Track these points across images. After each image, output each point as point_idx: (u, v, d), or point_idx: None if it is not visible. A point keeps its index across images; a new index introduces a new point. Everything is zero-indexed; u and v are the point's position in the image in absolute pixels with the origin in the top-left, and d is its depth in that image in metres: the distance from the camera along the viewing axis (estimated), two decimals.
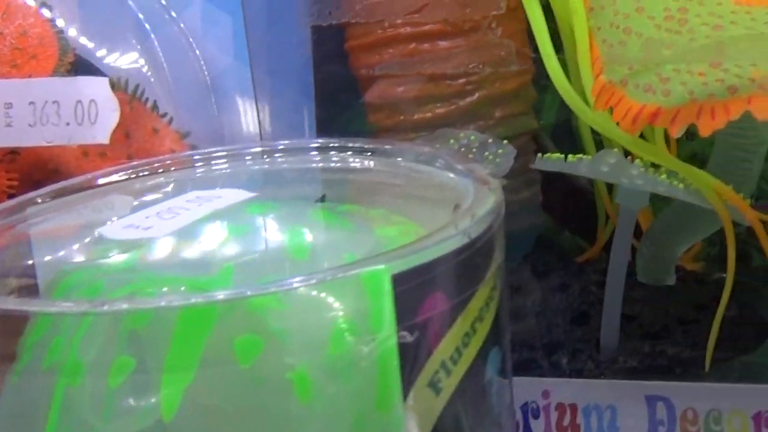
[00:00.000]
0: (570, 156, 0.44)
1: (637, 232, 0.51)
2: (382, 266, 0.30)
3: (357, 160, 0.42)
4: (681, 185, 0.42)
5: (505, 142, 0.47)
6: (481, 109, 0.49)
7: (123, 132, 0.50)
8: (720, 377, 0.46)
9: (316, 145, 0.43)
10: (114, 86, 0.50)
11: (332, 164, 0.43)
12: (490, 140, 0.47)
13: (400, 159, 0.41)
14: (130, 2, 0.50)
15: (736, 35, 0.42)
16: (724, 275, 0.54)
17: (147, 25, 0.50)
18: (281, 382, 0.29)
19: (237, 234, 0.34)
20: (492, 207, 0.33)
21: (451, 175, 0.38)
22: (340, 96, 0.51)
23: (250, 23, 0.50)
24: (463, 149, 0.47)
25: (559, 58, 0.47)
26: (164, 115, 0.50)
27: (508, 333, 0.36)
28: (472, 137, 0.48)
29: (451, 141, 0.48)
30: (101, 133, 0.47)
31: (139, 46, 0.50)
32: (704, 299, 0.49)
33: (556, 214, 0.58)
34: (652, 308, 0.49)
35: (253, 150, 0.44)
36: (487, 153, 0.47)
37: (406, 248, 0.30)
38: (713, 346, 0.45)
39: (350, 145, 0.42)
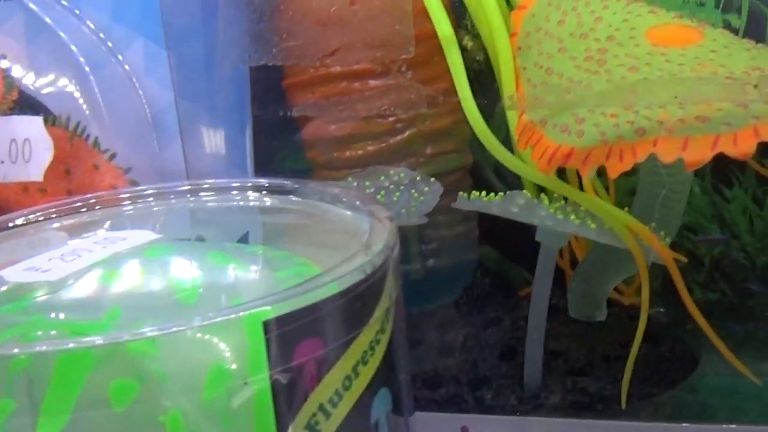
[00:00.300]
0: (489, 195, 0.45)
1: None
2: (255, 311, 0.30)
3: (271, 199, 0.43)
4: (593, 225, 0.43)
5: (433, 180, 0.48)
6: (411, 146, 0.49)
7: (64, 168, 0.51)
8: (643, 413, 0.46)
9: (235, 184, 0.44)
10: (55, 123, 0.51)
11: (249, 203, 0.44)
12: (418, 178, 0.48)
13: (309, 199, 0.41)
14: (73, 46, 0.51)
15: (650, 77, 0.43)
16: (662, 309, 0.54)
17: (87, 66, 0.51)
18: (154, 426, 0.30)
19: (130, 277, 0.35)
20: (376, 254, 0.34)
21: (352, 216, 0.39)
22: (278, 133, 0.52)
23: (189, 60, 0.51)
24: (392, 186, 0.48)
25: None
26: (105, 151, 0.51)
27: (403, 372, 0.36)
28: (402, 174, 0.48)
29: (382, 178, 0.48)
30: (35, 170, 0.48)
31: (79, 86, 0.51)
32: (634, 335, 0.49)
33: (502, 247, 0.59)
34: (579, 344, 0.50)
35: (178, 189, 0.45)
36: (413, 190, 0.47)
37: (280, 294, 0.31)
38: (628, 383, 0.45)
39: (264, 184, 0.43)
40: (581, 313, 0.50)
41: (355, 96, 0.46)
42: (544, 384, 0.47)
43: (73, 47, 0.51)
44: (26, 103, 0.52)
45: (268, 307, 0.31)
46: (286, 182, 0.43)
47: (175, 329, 0.30)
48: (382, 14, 0.42)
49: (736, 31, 0.51)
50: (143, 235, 0.39)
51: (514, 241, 0.57)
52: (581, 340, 0.50)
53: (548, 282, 0.46)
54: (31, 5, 0.52)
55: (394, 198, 0.47)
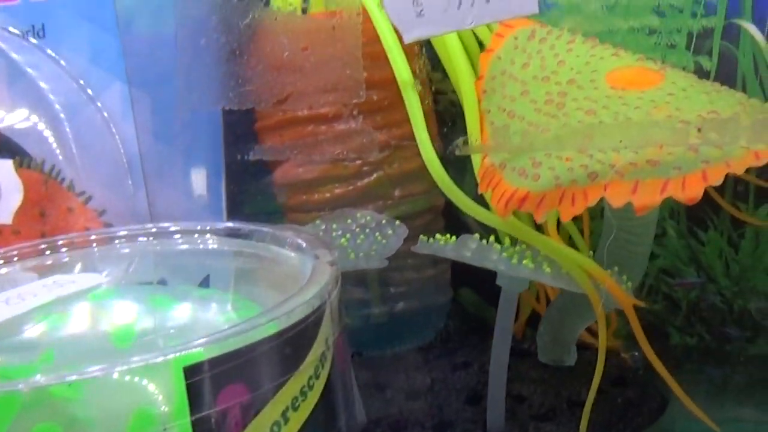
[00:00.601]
0: (447, 239, 0.45)
1: None
2: (177, 356, 0.31)
3: (229, 243, 0.43)
4: (549, 270, 0.42)
5: (398, 223, 0.48)
6: (379, 189, 0.50)
7: (38, 211, 0.51)
8: None
9: (196, 227, 0.45)
10: (30, 166, 0.51)
11: (210, 246, 0.44)
12: (383, 221, 0.48)
13: (263, 242, 0.42)
14: (51, 94, 0.52)
15: (605, 121, 0.42)
16: (636, 353, 0.54)
17: (63, 111, 0.52)
18: None
19: (69, 321, 0.36)
20: (308, 300, 0.34)
21: (298, 259, 0.39)
22: (250, 176, 0.52)
23: (163, 104, 0.52)
24: (357, 229, 0.48)
25: None
26: (81, 193, 0.52)
27: (344, 418, 0.36)
28: (368, 217, 0.48)
29: (348, 221, 0.49)
30: (4, 213, 0.49)
31: (52, 131, 0.52)
32: (602, 380, 0.49)
33: (479, 289, 0.59)
34: (546, 389, 0.49)
35: (141, 232, 0.45)
36: (378, 234, 0.47)
37: (205, 339, 0.31)
38: (585, 428, 0.44)
39: (222, 227, 0.43)
40: (550, 357, 0.49)
41: (310, 140, 0.46)
42: (507, 429, 0.46)
43: (50, 95, 0.52)
44: (4, 146, 0.52)
45: (192, 352, 0.31)
46: (242, 226, 0.43)
47: (91, 374, 0.30)
48: (333, 59, 0.43)
49: (707, 74, 0.50)
50: (92, 279, 0.39)
51: (491, 282, 0.57)
52: (548, 385, 0.50)
53: (509, 326, 0.46)
54: (13, 54, 0.53)
55: (358, 241, 0.47)
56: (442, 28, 0.38)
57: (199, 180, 0.53)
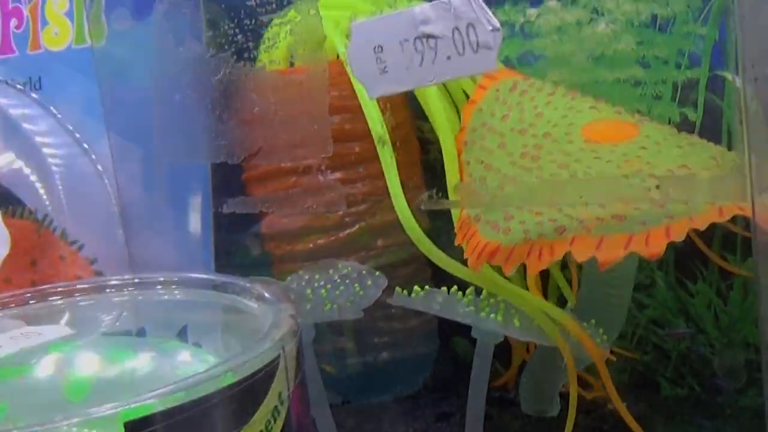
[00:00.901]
0: (419, 291, 0.45)
1: None
2: (118, 411, 0.31)
3: (198, 294, 0.44)
4: (518, 323, 0.42)
5: (378, 274, 0.48)
6: (361, 239, 0.50)
7: (30, 260, 0.52)
8: None
9: (161, 278, 0.45)
10: (23, 215, 0.53)
11: (187, 297, 0.45)
12: (364, 271, 0.48)
13: (233, 294, 0.42)
14: (44, 147, 0.53)
15: (577, 175, 0.42)
16: (624, 404, 0.53)
17: (54, 163, 0.53)
18: None
19: (27, 374, 0.36)
20: (259, 353, 0.34)
21: (262, 312, 0.40)
22: (237, 226, 0.53)
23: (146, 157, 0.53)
24: (338, 280, 0.48)
25: None
26: (74, 242, 0.53)
27: None
28: (349, 268, 0.49)
29: (331, 271, 0.49)
30: None
31: (42, 181, 0.53)
32: (587, 431, 0.49)
33: (474, 339, 0.59)
34: None
35: (116, 282, 0.46)
36: (357, 285, 0.48)
37: (148, 395, 0.31)
38: None
39: (197, 278, 0.44)
40: (533, 408, 0.49)
41: (281, 194, 0.47)
42: None
43: (44, 146, 0.53)
44: (2, 195, 0.53)
45: (134, 407, 0.31)
46: (215, 278, 0.44)
47: (28, 430, 0.30)
48: (301, 115, 0.43)
49: (693, 125, 0.50)
50: (58, 330, 0.40)
51: None
52: None
53: (484, 378, 0.46)
54: (11, 111, 0.55)
55: (337, 292, 0.47)
56: (405, 85, 0.39)
57: (187, 230, 0.53)
